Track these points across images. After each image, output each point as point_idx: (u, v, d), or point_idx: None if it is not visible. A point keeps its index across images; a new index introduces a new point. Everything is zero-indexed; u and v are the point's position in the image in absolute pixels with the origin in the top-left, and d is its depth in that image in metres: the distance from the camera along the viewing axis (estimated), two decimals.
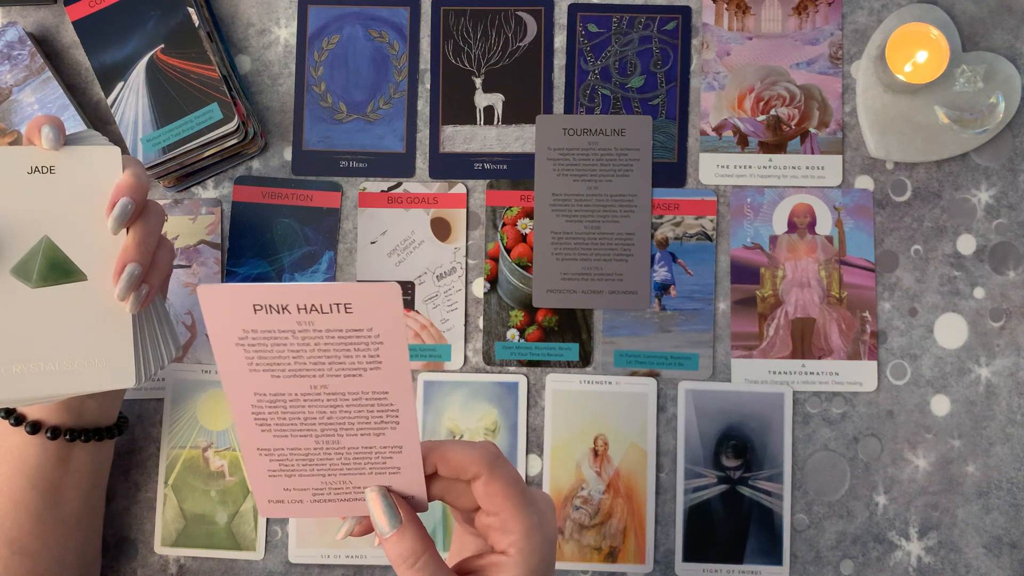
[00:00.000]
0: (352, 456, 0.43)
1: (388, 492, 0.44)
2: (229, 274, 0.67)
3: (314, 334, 0.40)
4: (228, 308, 0.39)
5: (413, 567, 0.43)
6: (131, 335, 0.51)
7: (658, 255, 0.67)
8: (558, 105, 0.69)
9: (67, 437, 0.55)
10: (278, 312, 0.39)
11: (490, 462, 0.44)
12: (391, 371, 0.41)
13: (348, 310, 0.39)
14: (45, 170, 0.49)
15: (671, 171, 0.68)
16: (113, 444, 0.60)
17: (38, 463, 0.55)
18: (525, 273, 0.67)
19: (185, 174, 0.66)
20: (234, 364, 0.40)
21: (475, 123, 0.68)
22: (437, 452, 0.44)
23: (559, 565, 0.65)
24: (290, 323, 0.39)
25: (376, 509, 0.44)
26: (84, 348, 0.50)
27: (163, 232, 0.54)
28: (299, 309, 0.39)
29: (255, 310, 0.39)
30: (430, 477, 0.45)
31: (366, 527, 0.46)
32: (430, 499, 0.45)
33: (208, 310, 0.39)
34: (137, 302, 0.50)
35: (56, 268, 0.49)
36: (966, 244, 0.67)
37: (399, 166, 0.68)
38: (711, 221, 0.67)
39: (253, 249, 0.67)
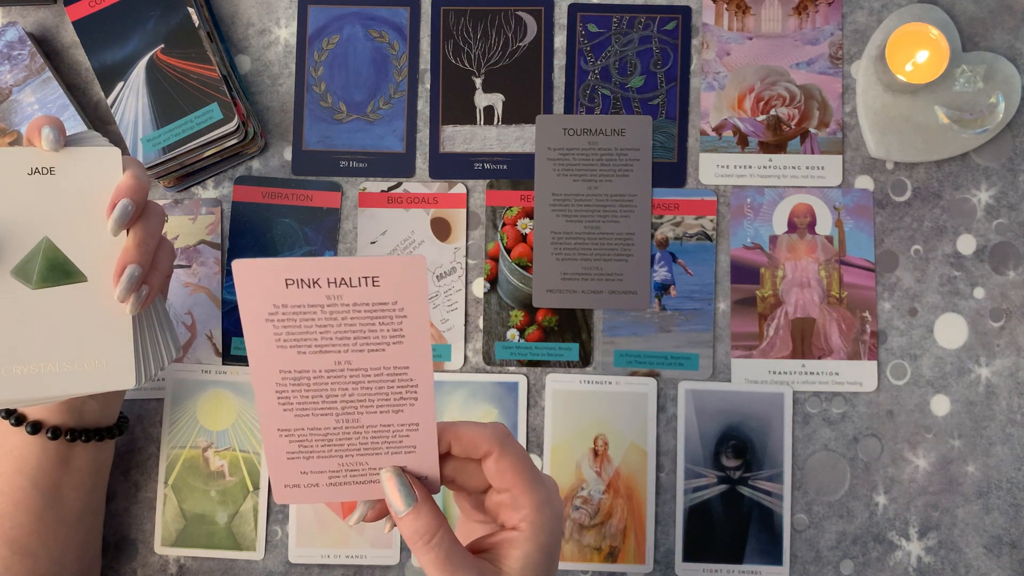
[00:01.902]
0: (370, 435, 0.44)
1: (403, 472, 0.45)
2: (229, 274, 0.67)
3: (341, 308, 0.41)
4: (261, 282, 0.40)
5: (429, 543, 0.44)
6: (131, 336, 0.51)
7: (658, 255, 0.67)
8: (558, 105, 0.69)
9: (68, 437, 0.55)
10: (309, 286, 0.40)
11: (501, 440, 0.45)
12: (413, 345, 0.42)
13: (375, 283, 0.41)
14: (45, 171, 0.49)
15: (671, 171, 0.68)
16: (114, 444, 0.60)
17: (39, 463, 0.55)
18: (525, 273, 0.67)
19: (185, 174, 0.67)
20: (262, 341, 0.41)
21: (475, 123, 0.68)
22: (451, 431, 0.45)
23: (559, 565, 0.65)
24: (319, 297, 0.41)
25: (391, 488, 0.45)
26: (84, 349, 0.50)
27: (163, 233, 0.54)
28: (329, 283, 0.40)
29: (287, 284, 0.40)
30: (442, 458, 0.46)
31: (379, 512, 0.47)
32: (441, 481, 0.46)
33: (241, 285, 0.40)
34: (137, 303, 0.50)
35: (56, 269, 0.49)
36: (966, 244, 0.67)
37: (399, 166, 0.68)
38: (711, 221, 0.67)
39: (253, 249, 0.67)
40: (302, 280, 0.40)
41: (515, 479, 0.45)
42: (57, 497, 0.56)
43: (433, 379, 0.43)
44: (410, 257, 0.40)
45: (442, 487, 0.47)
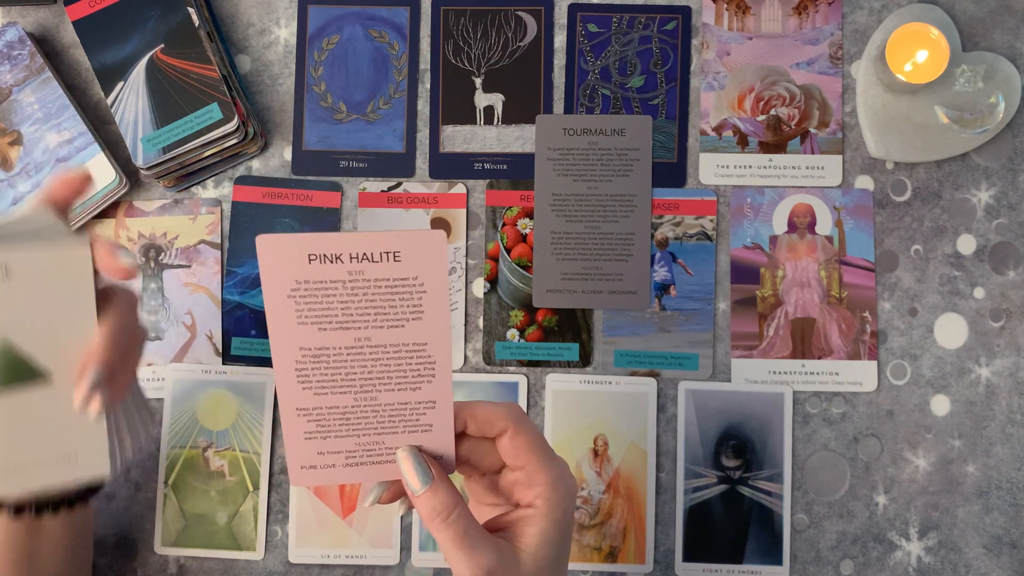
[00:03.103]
0: (387, 414, 0.45)
1: (419, 451, 0.45)
2: (229, 274, 0.67)
3: (363, 284, 0.41)
4: (284, 258, 0.40)
5: (447, 520, 0.44)
6: (103, 429, 0.47)
7: (658, 255, 0.67)
8: (558, 105, 0.69)
9: (34, 512, 0.53)
10: (331, 262, 0.41)
11: (516, 417, 0.46)
12: (432, 321, 0.42)
13: (397, 258, 0.41)
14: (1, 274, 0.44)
15: (671, 171, 0.68)
16: (90, 505, 0.58)
17: (7, 537, 0.53)
18: (525, 273, 0.67)
19: (185, 174, 0.67)
20: (284, 317, 0.42)
21: (475, 123, 0.68)
22: (467, 409, 0.46)
23: None
24: (341, 273, 0.41)
25: (407, 467, 0.45)
26: (55, 445, 0.47)
27: (138, 315, 0.49)
28: (351, 258, 0.41)
29: (310, 260, 0.40)
30: (457, 437, 0.46)
31: (394, 493, 0.47)
32: (456, 460, 0.46)
33: (265, 260, 0.40)
34: (101, 405, 0.46)
35: (19, 370, 0.45)
36: (966, 244, 0.67)
37: (399, 166, 0.68)
38: (711, 221, 0.67)
39: (253, 249, 0.67)
40: (325, 256, 0.41)
41: (530, 456, 0.45)
42: (33, 566, 0.54)
43: (451, 356, 0.44)
44: (431, 231, 0.41)
45: (455, 472, 0.47)
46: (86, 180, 0.48)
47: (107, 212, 0.67)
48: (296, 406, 0.44)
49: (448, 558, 0.44)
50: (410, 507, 0.47)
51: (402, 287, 0.42)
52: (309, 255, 0.40)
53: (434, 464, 0.45)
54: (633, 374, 0.67)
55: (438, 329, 0.43)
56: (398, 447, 0.45)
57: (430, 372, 0.44)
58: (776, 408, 0.66)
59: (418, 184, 0.68)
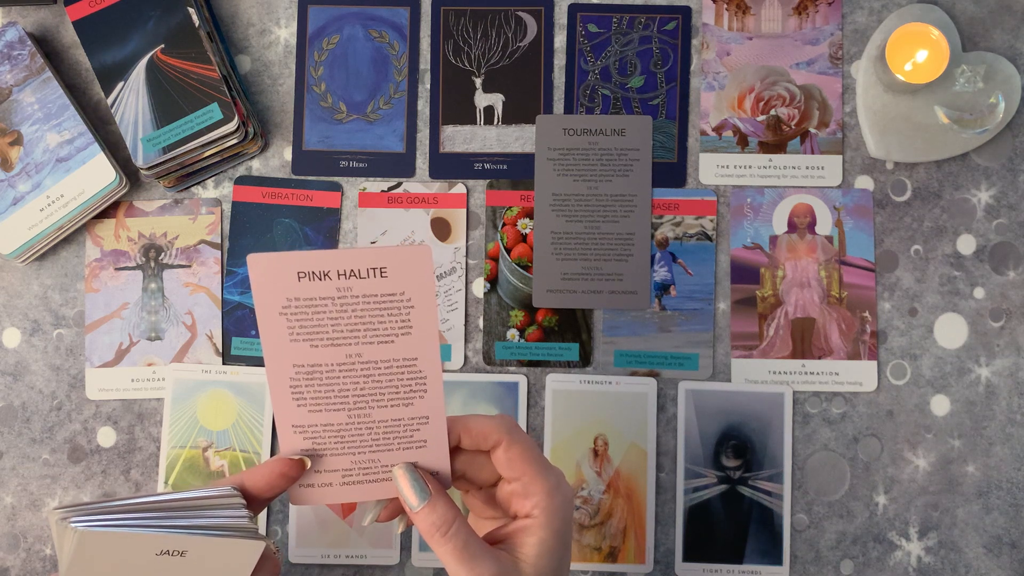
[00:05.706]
0: (381, 431, 0.45)
1: (414, 467, 0.45)
2: (229, 274, 0.67)
3: (352, 300, 0.42)
4: (275, 276, 0.41)
5: (447, 534, 0.44)
6: None
7: (658, 255, 0.67)
8: (558, 105, 0.69)
9: None
10: (319, 279, 0.41)
11: (509, 429, 0.46)
12: (421, 336, 0.43)
13: (383, 274, 0.41)
14: (176, 553, 0.44)
15: (671, 171, 0.68)
16: None
17: None
18: (525, 273, 0.67)
19: (185, 174, 0.67)
20: (276, 335, 0.42)
21: (475, 123, 0.68)
22: (460, 423, 0.46)
23: None
24: (330, 290, 0.41)
25: (404, 484, 0.45)
26: None
27: None
28: (339, 275, 0.41)
29: (299, 277, 0.41)
30: (452, 452, 0.46)
31: (392, 511, 0.47)
32: (452, 476, 0.46)
33: (256, 279, 0.41)
34: None
35: None
36: (966, 244, 0.67)
37: (399, 166, 0.68)
38: (711, 221, 0.67)
39: (253, 249, 0.67)
40: (313, 273, 0.41)
41: (525, 467, 0.45)
42: None
43: (441, 370, 0.44)
44: (416, 247, 0.41)
45: (452, 488, 0.47)
46: (299, 467, 0.45)
47: (107, 212, 0.67)
48: (292, 423, 0.44)
49: (450, 571, 0.44)
50: (409, 524, 0.47)
51: (390, 303, 0.42)
52: (298, 272, 0.41)
53: (431, 479, 0.45)
54: (633, 374, 0.67)
55: (427, 344, 0.43)
56: (394, 464, 0.46)
57: (421, 387, 0.44)
58: (776, 408, 0.66)
59: (418, 184, 0.68)
